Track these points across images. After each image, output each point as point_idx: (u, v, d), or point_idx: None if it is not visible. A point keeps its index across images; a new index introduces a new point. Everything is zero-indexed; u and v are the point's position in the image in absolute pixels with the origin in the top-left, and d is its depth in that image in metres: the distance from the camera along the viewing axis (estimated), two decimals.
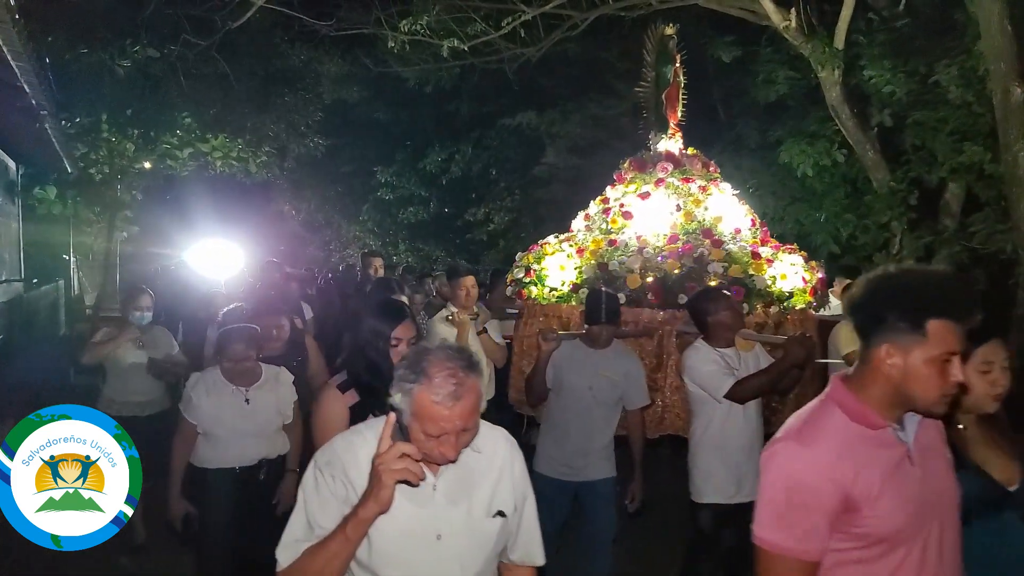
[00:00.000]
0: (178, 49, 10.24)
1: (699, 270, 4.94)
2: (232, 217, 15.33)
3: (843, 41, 7.88)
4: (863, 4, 8.15)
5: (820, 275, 5.46)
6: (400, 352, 2.51)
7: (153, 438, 3.75)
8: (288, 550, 1.79)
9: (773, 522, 1.66)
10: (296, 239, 20.46)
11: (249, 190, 16.37)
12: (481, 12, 9.41)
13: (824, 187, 8.79)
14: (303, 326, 5.22)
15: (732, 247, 5.18)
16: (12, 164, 9.51)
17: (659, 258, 5.06)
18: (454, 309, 4.82)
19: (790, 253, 5.41)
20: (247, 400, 3.56)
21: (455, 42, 9.41)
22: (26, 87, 5.98)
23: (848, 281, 5.63)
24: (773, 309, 4.98)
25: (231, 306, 4.37)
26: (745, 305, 4.71)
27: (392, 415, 1.75)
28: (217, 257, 8.03)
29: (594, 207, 6.02)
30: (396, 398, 1.75)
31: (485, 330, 4.87)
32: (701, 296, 3.86)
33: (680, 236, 5.30)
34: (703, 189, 5.71)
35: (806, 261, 5.41)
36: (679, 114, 6.13)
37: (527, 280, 5.43)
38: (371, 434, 1.84)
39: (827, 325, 4.97)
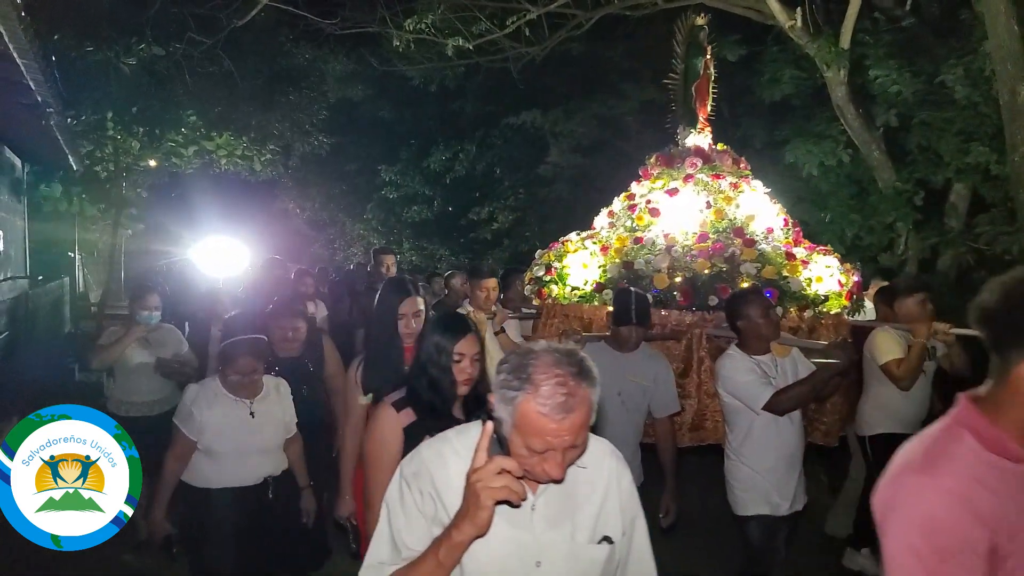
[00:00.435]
0: (183, 47, 10.28)
1: (731, 270, 4.73)
2: (237, 215, 15.39)
3: (849, 41, 7.85)
4: (869, 4, 8.12)
5: (856, 278, 5.25)
6: (463, 368, 2.42)
7: (163, 437, 3.58)
8: (372, 573, 1.65)
9: None
10: (300, 237, 20.50)
11: (254, 188, 16.40)
12: (486, 11, 9.42)
13: (829, 187, 8.75)
14: (319, 324, 5.10)
15: (765, 247, 4.97)
16: (18, 162, 9.55)
17: (688, 257, 4.84)
18: (471, 308, 4.66)
19: (825, 255, 5.19)
20: (252, 414, 3.31)
21: (460, 41, 9.43)
22: (32, 84, 5.99)
23: (884, 283, 5.43)
24: (807, 313, 4.75)
25: (234, 312, 4.20)
26: (779, 308, 4.51)
27: (489, 424, 1.56)
28: (222, 255, 8.04)
29: (618, 203, 5.79)
30: (496, 407, 1.56)
31: (503, 330, 4.71)
32: (738, 299, 3.62)
33: (710, 234, 5.08)
34: (734, 186, 5.49)
35: (841, 263, 5.22)
36: (709, 108, 5.91)
37: (547, 279, 5.23)
38: (461, 443, 1.68)
39: (860, 331, 4.65)
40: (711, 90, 5.93)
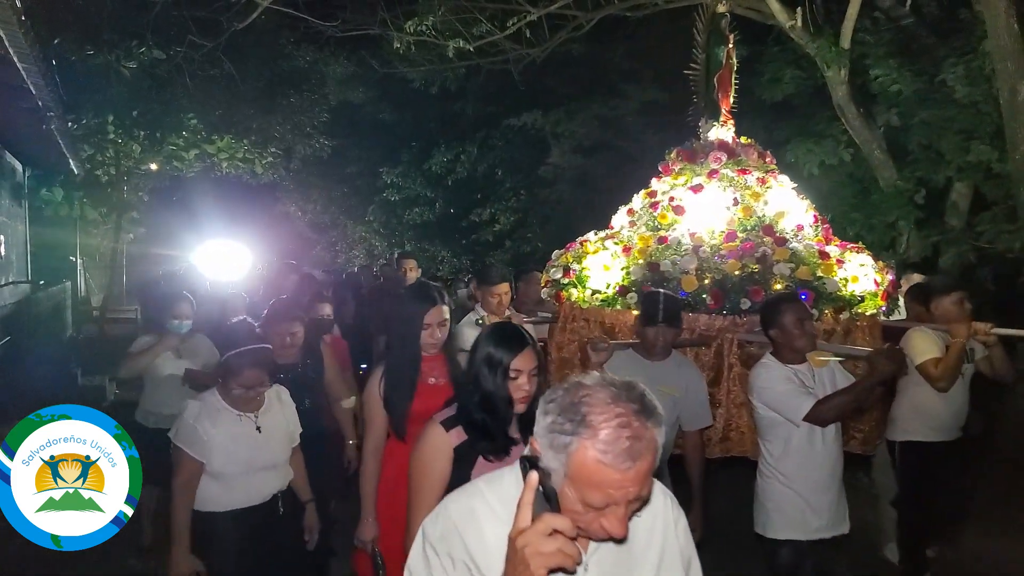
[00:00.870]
0: (184, 50, 10.27)
1: (763, 272, 4.44)
2: (238, 218, 15.42)
3: (849, 40, 7.84)
4: (869, 3, 8.11)
5: (891, 277, 4.96)
6: (520, 385, 2.22)
7: None
8: None
9: None
10: (302, 240, 20.52)
11: (255, 191, 16.44)
12: (486, 13, 9.41)
13: (831, 186, 8.73)
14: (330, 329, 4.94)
15: (796, 245, 4.67)
16: (19, 166, 9.57)
17: (716, 257, 4.56)
18: (483, 313, 4.50)
19: (858, 252, 4.87)
20: (258, 428, 3.05)
21: (460, 43, 9.42)
22: (32, 88, 6.00)
23: (915, 276, 5.18)
24: (843, 315, 4.47)
25: (236, 319, 3.95)
26: (814, 311, 4.24)
27: (533, 475, 1.30)
28: (224, 258, 8.05)
29: (639, 200, 5.50)
30: (543, 454, 1.32)
31: None
32: (772, 307, 3.36)
33: (738, 233, 4.82)
34: (761, 181, 5.22)
35: (875, 261, 4.94)
36: (732, 99, 5.66)
37: (565, 281, 4.95)
38: (495, 496, 1.46)
39: (891, 332, 4.36)
40: (734, 81, 5.69)
